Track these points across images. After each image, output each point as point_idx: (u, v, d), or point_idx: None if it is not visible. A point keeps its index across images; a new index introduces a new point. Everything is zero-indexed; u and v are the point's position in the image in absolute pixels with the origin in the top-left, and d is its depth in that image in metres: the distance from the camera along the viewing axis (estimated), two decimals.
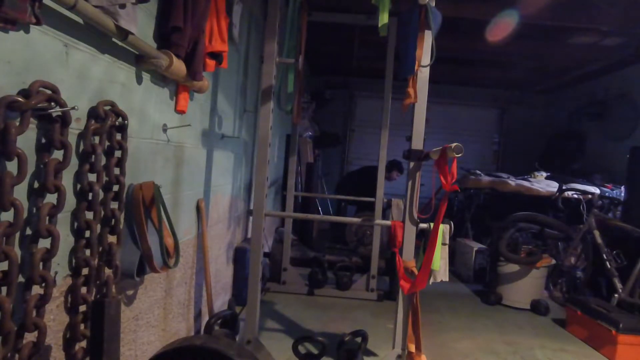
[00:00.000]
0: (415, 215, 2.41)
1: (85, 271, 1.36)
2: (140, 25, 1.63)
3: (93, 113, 1.36)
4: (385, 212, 4.46)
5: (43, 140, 1.18)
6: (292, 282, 4.13)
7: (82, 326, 1.38)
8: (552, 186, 5.43)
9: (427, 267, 2.22)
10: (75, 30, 1.27)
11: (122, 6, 1.36)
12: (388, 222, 2.56)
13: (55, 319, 1.30)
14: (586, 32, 4.94)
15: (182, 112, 2.14)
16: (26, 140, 1.11)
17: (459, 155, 1.96)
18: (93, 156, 1.36)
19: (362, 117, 8.37)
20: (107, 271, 1.49)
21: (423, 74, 2.35)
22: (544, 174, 6.08)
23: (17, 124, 1.03)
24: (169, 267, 1.80)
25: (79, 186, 1.34)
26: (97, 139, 1.38)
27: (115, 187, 1.50)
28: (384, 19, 2.26)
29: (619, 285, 3.74)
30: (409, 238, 2.42)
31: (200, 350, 1.61)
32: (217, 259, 3.04)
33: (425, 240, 2.33)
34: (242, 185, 3.65)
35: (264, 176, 2.51)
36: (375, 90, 7.29)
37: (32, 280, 1.14)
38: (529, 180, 5.78)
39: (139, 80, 1.71)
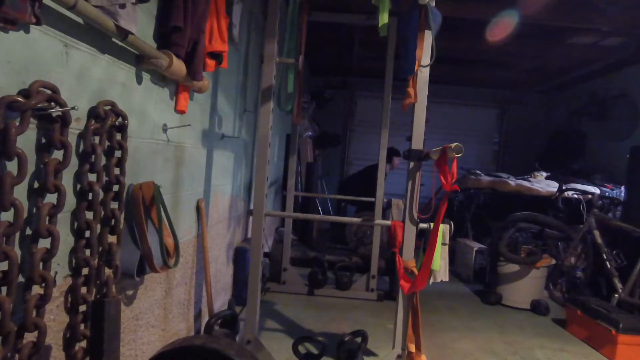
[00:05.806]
0: (415, 215, 2.41)
1: (85, 271, 1.36)
2: (140, 25, 1.63)
3: (93, 113, 1.36)
4: (385, 212, 4.46)
5: (43, 140, 1.18)
6: (292, 282, 4.13)
7: (82, 326, 1.38)
8: (552, 186, 5.43)
9: (427, 267, 2.22)
10: (75, 30, 1.27)
11: (122, 6, 1.36)
12: (388, 222, 2.56)
13: (55, 319, 1.30)
14: (586, 32, 4.95)
15: (182, 112, 2.14)
16: (26, 140, 1.11)
17: (459, 155, 1.96)
18: (93, 156, 1.35)
19: (362, 117, 8.37)
20: (107, 271, 1.49)
21: (423, 74, 2.35)
22: (544, 174, 6.08)
23: (17, 124, 1.03)
24: (169, 267, 1.80)
25: (79, 186, 1.34)
26: (97, 139, 1.38)
27: (115, 187, 1.50)
28: (384, 19, 2.26)
29: (619, 285, 3.75)
30: (409, 238, 2.42)
31: (200, 350, 1.60)
32: (217, 259, 3.04)
33: (425, 240, 2.33)
34: (242, 185, 3.65)
35: (264, 176, 2.51)
36: (375, 90, 7.29)
37: (32, 280, 1.14)
38: (529, 180, 5.78)
39: (139, 80, 1.71)
